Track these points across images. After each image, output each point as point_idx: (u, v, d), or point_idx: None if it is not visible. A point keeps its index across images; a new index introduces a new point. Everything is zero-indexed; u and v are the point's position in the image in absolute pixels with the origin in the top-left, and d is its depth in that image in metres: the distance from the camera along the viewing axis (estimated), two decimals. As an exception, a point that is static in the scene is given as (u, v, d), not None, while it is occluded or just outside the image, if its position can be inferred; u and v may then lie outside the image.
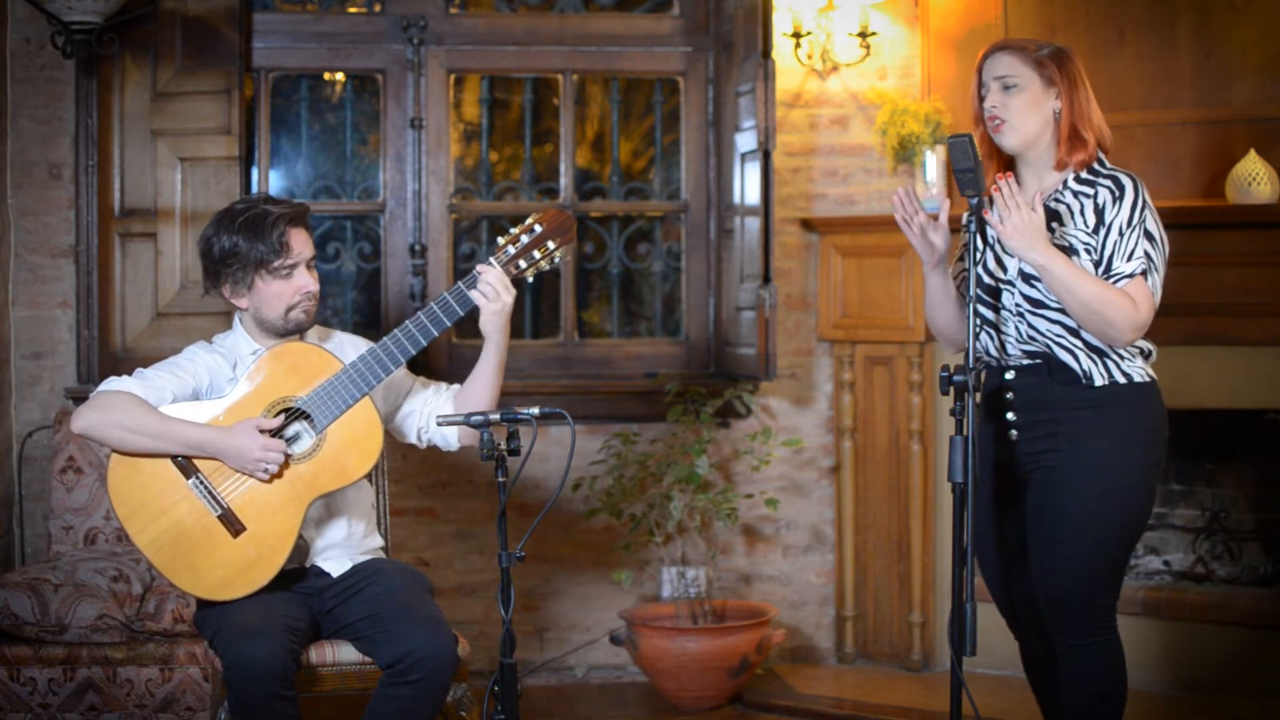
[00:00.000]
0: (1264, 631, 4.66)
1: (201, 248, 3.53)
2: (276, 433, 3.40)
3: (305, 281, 3.50)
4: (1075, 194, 3.32)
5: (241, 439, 3.35)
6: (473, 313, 3.46)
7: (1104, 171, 3.32)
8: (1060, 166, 3.34)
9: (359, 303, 5.34)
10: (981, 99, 3.37)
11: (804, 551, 5.30)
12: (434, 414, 3.59)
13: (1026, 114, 3.32)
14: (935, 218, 3.41)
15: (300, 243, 3.49)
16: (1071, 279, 3.20)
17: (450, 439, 3.61)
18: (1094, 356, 3.29)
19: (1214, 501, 5.05)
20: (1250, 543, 4.99)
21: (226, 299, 3.53)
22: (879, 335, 5.13)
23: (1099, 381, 3.29)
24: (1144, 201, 3.27)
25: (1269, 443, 4.90)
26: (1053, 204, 3.34)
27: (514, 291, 3.45)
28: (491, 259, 3.45)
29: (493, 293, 3.41)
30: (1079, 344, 3.30)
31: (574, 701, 4.92)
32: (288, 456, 3.40)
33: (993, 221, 3.23)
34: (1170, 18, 4.80)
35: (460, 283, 3.45)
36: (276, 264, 3.46)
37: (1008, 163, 3.44)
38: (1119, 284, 3.24)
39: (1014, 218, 3.19)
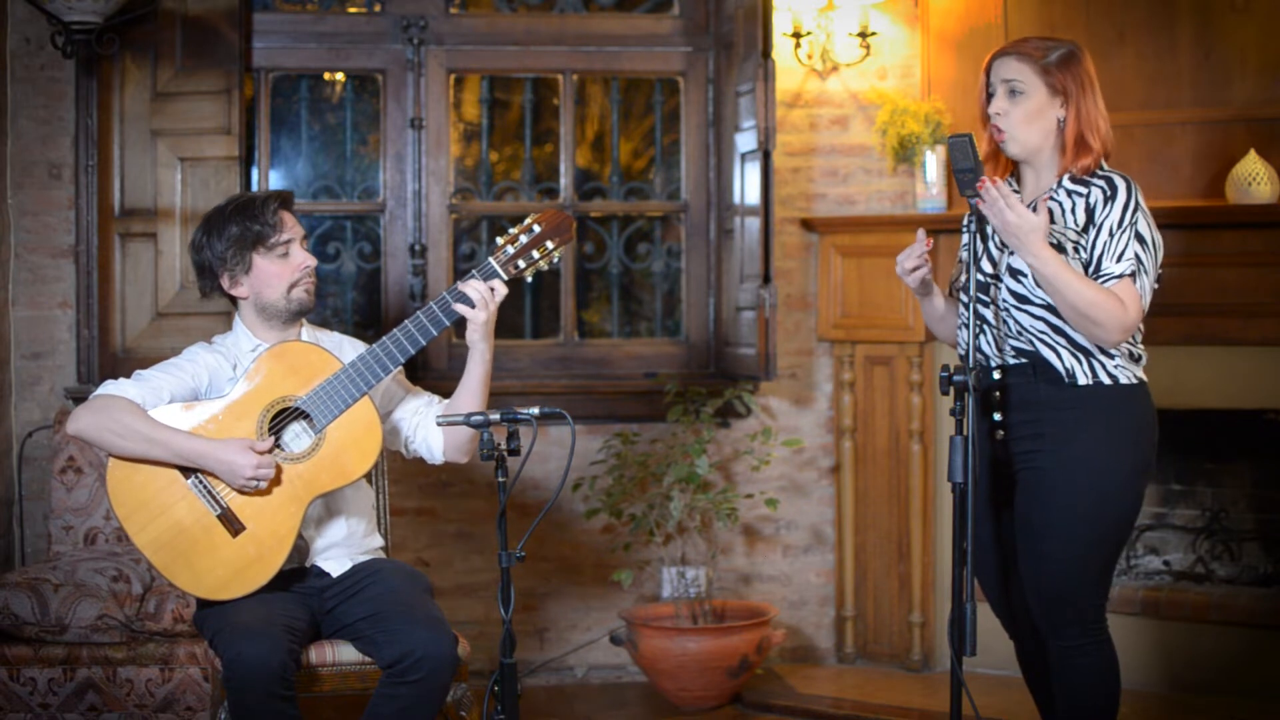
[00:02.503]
0: (1264, 631, 4.65)
1: (194, 250, 3.55)
2: (272, 445, 3.41)
3: (303, 257, 3.52)
4: (1069, 193, 3.32)
5: (233, 455, 3.35)
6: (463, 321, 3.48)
7: (1100, 173, 3.33)
8: (1064, 171, 3.35)
9: (359, 303, 5.34)
10: (989, 98, 3.37)
11: (804, 551, 5.30)
12: (422, 425, 3.61)
13: (1029, 123, 3.32)
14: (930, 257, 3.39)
15: (292, 221, 3.55)
16: (1060, 280, 3.20)
17: (435, 452, 3.62)
18: (1078, 355, 3.29)
19: (1214, 501, 5.05)
20: (1250, 543, 4.99)
21: (225, 291, 3.54)
22: (879, 335, 5.13)
23: (1082, 380, 3.29)
24: (1136, 203, 3.27)
25: (1269, 443, 4.90)
26: (1048, 202, 3.34)
27: (497, 304, 3.45)
28: (490, 259, 3.46)
29: (481, 302, 3.42)
30: (1062, 341, 3.30)
31: (574, 701, 4.92)
32: (277, 453, 3.40)
33: (987, 214, 3.23)
34: (1170, 18, 4.80)
35: (457, 283, 3.46)
36: (273, 240, 3.49)
37: (1010, 163, 3.44)
38: (1107, 284, 3.24)
39: (1006, 217, 3.19)
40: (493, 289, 3.43)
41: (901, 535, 5.12)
